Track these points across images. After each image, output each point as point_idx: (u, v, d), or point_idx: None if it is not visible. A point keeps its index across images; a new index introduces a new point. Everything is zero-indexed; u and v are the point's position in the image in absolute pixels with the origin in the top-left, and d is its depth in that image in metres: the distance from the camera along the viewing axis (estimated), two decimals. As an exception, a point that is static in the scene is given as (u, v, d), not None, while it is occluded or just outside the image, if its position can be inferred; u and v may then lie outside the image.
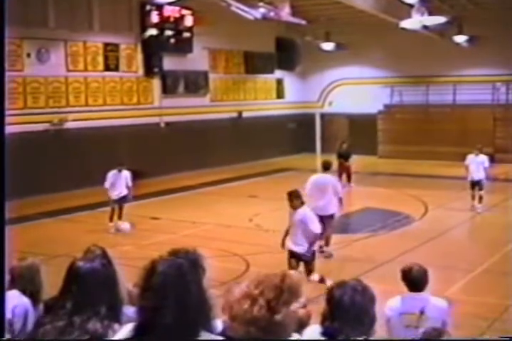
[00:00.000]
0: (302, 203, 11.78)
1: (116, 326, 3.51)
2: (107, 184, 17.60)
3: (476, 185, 19.68)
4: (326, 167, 15.58)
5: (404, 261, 14.65)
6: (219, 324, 3.38)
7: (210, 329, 3.22)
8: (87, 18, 24.71)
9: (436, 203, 21.01)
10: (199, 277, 3.28)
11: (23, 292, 5.72)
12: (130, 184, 17.84)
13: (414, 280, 6.67)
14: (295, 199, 11.74)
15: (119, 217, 17.77)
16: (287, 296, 3.20)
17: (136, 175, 18.50)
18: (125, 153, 23.58)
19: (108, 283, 3.67)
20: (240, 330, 3.17)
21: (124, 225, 17.64)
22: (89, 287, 3.60)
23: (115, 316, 3.60)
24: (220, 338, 3.24)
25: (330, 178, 15.20)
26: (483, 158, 19.82)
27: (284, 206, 21.01)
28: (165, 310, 3.09)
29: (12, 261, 5.91)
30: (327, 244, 14.94)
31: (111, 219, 17.69)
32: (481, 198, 19.64)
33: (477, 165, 19.63)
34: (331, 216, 14.76)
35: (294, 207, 11.75)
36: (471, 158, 19.88)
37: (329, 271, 12.83)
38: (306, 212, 11.71)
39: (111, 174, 17.61)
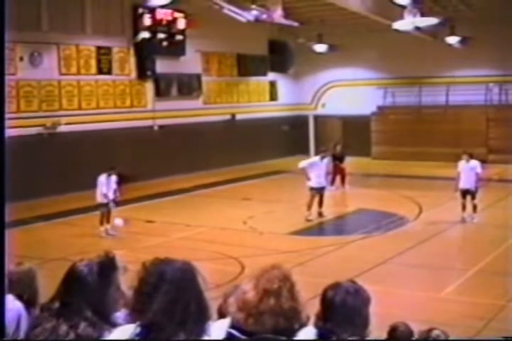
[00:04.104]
0: None
1: (112, 330, 3.53)
2: (104, 189, 17.49)
3: (467, 193, 18.58)
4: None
5: (398, 262, 14.74)
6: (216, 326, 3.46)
7: (208, 333, 3.27)
8: (79, 22, 24.70)
9: (431, 204, 21.02)
10: (200, 283, 3.32)
11: (20, 297, 5.72)
12: (116, 188, 17.77)
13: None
14: None
15: (108, 221, 17.74)
16: (294, 283, 3.55)
17: (123, 179, 18.42)
18: (119, 157, 23.58)
19: (93, 288, 3.69)
20: (268, 324, 3.44)
21: (118, 221, 17.55)
22: (74, 289, 3.65)
23: (103, 320, 3.63)
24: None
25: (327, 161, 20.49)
26: (475, 164, 18.65)
27: (277, 208, 21.13)
28: (170, 314, 3.16)
29: (7, 264, 5.90)
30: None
31: (101, 223, 17.66)
32: (475, 207, 18.65)
33: (469, 171, 18.50)
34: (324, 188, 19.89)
35: None
36: (462, 165, 18.73)
37: (324, 272, 12.83)
38: None
39: (103, 178, 17.55)
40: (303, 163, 19.72)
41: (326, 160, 20.13)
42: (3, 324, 4.60)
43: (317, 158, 20.15)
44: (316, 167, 19.52)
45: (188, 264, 3.33)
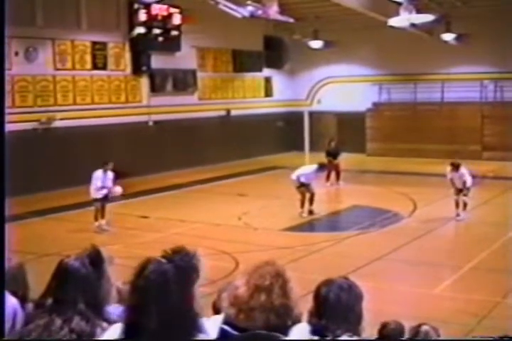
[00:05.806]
0: None
1: (104, 324, 3.52)
2: (99, 183, 17.46)
3: (461, 191, 18.57)
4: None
5: (393, 258, 14.75)
6: (211, 323, 3.42)
7: (201, 331, 3.21)
8: (75, 17, 24.64)
9: (425, 201, 21.03)
10: (184, 283, 3.24)
11: (15, 293, 5.70)
12: (111, 184, 17.77)
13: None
14: None
15: (102, 216, 17.73)
16: (287, 279, 3.51)
17: (119, 175, 18.39)
18: (114, 152, 23.52)
19: (88, 281, 3.69)
20: (259, 320, 3.41)
21: (117, 188, 17.60)
22: (68, 284, 3.65)
23: (97, 314, 3.62)
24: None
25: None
26: (463, 173, 18.56)
27: (272, 204, 21.13)
28: (148, 314, 3.11)
29: (6, 262, 5.89)
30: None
31: (96, 219, 17.64)
32: (465, 205, 18.60)
33: (458, 179, 18.49)
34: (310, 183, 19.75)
35: None
36: (450, 173, 18.72)
37: (318, 268, 12.84)
38: None
39: (99, 174, 17.52)
40: (296, 175, 19.63)
41: (320, 173, 20.37)
42: (3, 324, 4.59)
43: (312, 169, 19.88)
44: (309, 176, 19.64)
45: (185, 262, 3.28)
